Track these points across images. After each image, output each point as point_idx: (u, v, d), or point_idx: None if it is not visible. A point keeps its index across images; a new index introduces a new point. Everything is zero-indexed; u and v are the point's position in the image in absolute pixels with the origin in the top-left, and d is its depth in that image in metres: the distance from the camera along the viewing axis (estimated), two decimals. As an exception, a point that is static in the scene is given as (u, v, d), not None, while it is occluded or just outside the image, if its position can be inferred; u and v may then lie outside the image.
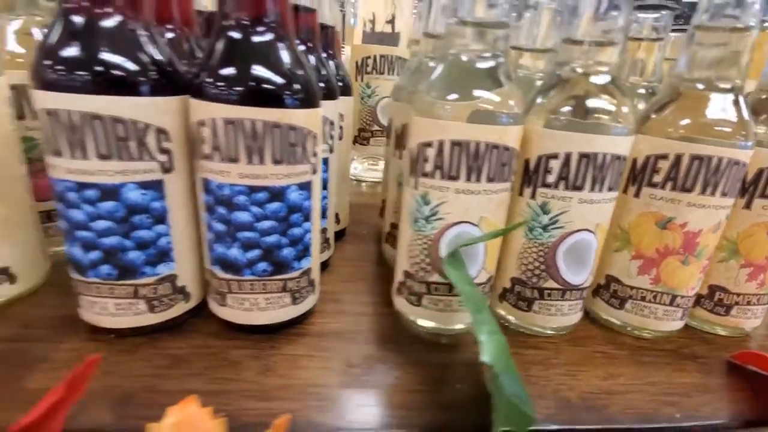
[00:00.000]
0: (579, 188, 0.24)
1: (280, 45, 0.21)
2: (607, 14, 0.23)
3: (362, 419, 0.21)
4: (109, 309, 0.23)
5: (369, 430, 0.20)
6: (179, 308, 0.25)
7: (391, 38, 0.52)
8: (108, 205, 0.21)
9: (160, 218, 0.22)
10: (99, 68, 0.19)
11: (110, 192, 0.21)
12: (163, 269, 0.23)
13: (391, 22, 0.51)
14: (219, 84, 0.20)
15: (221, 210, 0.22)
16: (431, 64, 0.31)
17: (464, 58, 0.23)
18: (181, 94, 0.21)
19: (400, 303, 0.28)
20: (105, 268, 0.22)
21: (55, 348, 0.23)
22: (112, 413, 0.19)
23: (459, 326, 0.27)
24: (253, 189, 0.22)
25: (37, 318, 0.25)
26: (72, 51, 0.19)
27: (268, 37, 0.21)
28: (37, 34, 0.28)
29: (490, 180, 0.23)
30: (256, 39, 0.21)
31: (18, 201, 0.25)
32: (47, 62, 0.19)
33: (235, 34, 0.21)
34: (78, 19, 0.20)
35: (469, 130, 0.22)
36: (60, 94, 0.19)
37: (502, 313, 0.28)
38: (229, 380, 0.22)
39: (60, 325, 0.25)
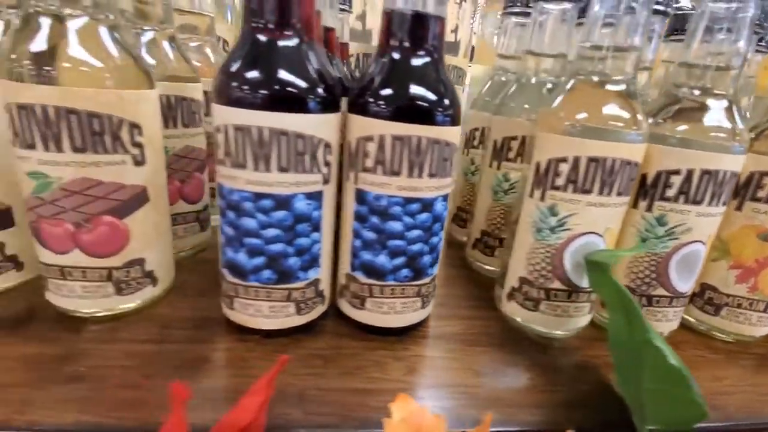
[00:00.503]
0: (698, 203, 0.26)
1: (435, 68, 0.23)
2: (719, 39, 0.25)
3: (526, 419, 0.22)
4: (263, 311, 0.24)
5: (528, 428, 0.21)
6: (318, 311, 0.26)
7: (453, 47, 0.54)
8: (280, 215, 0.22)
9: (317, 226, 0.24)
10: (289, 87, 0.21)
11: (283, 202, 0.22)
12: (312, 274, 0.25)
13: (455, 31, 0.52)
14: (386, 103, 0.22)
15: (374, 219, 0.24)
16: (533, 80, 0.33)
17: (595, 78, 0.25)
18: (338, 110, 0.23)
19: (513, 308, 0.29)
20: (266, 273, 0.23)
21: (211, 348, 0.24)
22: (297, 410, 0.20)
23: (571, 330, 0.29)
24: (408, 200, 0.23)
25: (179, 319, 0.26)
26: (262, 71, 0.20)
27: (426, 60, 0.23)
28: (166, 46, 0.29)
29: (619, 194, 0.25)
30: (416, 62, 0.23)
31: (165, 207, 0.26)
32: (236, 81, 0.20)
33: (398, 57, 0.22)
34: (263, 40, 0.21)
35: (605, 147, 0.24)
36: (252, 111, 0.20)
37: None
38: (381, 379, 0.23)
39: (204, 326, 0.26)
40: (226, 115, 0.21)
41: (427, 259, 0.25)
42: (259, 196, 0.22)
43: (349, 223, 0.25)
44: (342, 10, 0.37)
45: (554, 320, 0.28)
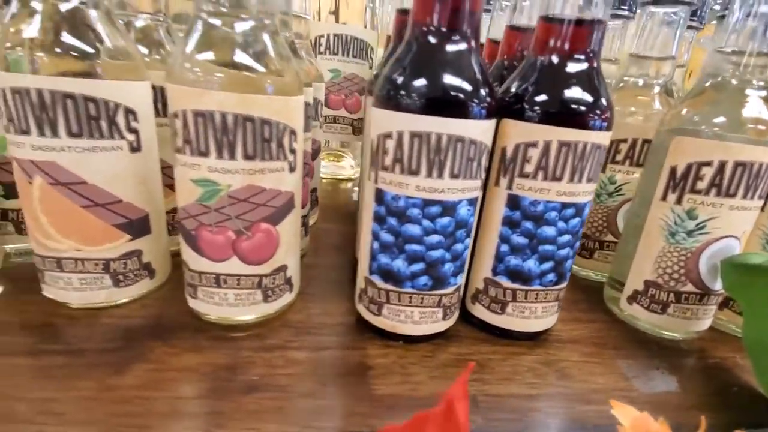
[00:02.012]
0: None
1: (596, 73, 0.23)
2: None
3: (694, 422, 0.22)
4: (413, 317, 0.24)
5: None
6: (456, 316, 0.26)
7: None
8: (444, 221, 0.22)
9: (469, 232, 0.24)
10: (467, 94, 0.20)
11: (449, 209, 0.22)
12: (459, 280, 0.25)
13: None
14: (553, 108, 0.22)
15: (528, 224, 0.24)
16: (640, 83, 0.33)
17: (734, 82, 0.25)
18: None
19: (636, 310, 0.29)
20: (423, 279, 0.23)
21: (364, 354, 0.24)
22: (477, 416, 0.20)
23: (695, 332, 0.29)
24: (564, 206, 0.23)
25: (316, 325, 0.26)
26: (436, 76, 0.20)
27: (587, 65, 0.23)
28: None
29: (760, 197, 0.25)
30: (572, 68, 0.23)
31: (300, 213, 0.26)
32: (412, 87, 0.20)
33: (555, 62, 0.22)
34: (432, 44, 0.21)
35: (752, 151, 0.24)
36: (430, 118, 0.20)
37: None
38: (542, 384, 0.23)
39: (344, 331, 0.26)
40: (401, 122, 0.21)
41: (569, 264, 0.25)
42: (427, 203, 0.22)
43: (496, 228, 0.25)
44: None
45: (681, 323, 0.28)
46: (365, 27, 0.55)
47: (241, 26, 0.21)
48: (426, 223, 0.22)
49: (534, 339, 0.27)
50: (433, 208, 0.22)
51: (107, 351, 0.22)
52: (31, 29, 0.20)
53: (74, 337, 0.23)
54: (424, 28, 0.21)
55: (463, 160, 0.21)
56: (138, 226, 0.25)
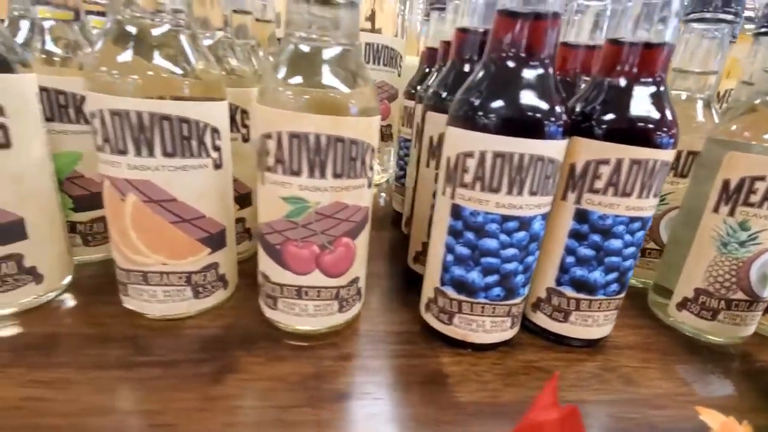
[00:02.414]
0: None
1: (664, 92, 0.24)
2: None
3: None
4: (485, 326, 0.25)
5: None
6: (519, 325, 0.27)
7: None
8: (520, 235, 0.23)
9: (539, 245, 0.25)
10: (548, 115, 0.21)
11: (526, 224, 0.23)
12: (526, 290, 0.26)
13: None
14: (629, 127, 0.23)
15: (595, 237, 0.25)
16: (683, 97, 0.34)
17: (787, 101, 0.26)
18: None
19: (685, 317, 0.30)
20: (496, 290, 0.24)
21: (438, 362, 0.25)
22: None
23: (741, 338, 0.30)
24: (632, 219, 0.24)
25: (384, 333, 0.27)
26: (518, 97, 0.21)
27: (654, 87, 0.24)
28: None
29: (812, 210, 0.26)
30: (642, 89, 0.24)
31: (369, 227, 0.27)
32: (494, 107, 0.21)
33: (624, 83, 0.23)
34: (513, 68, 0.22)
35: (806, 167, 0.25)
36: (514, 139, 0.21)
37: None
38: (610, 390, 0.24)
39: (411, 340, 0.27)
40: (484, 142, 0.21)
41: (630, 274, 0.26)
42: (506, 218, 0.22)
43: (561, 241, 0.26)
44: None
45: (730, 329, 0.29)
46: (396, 35, 0.56)
47: (330, 52, 0.21)
48: (503, 237, 0.23)
49: (592, 346, 0.28)
50: (511, 224, 0.23)
51: (198, 362, 0.23)
52: (126, 53, 0.21)
53: (162, 349, 0.23)
54: (504, 54, 0.22)
55: (542, 177, 0.22)
56: (216, 240, 0.25)
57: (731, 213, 0.28)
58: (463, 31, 0.29)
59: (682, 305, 0.31)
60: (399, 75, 0.58)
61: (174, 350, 0.23)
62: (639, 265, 0.37)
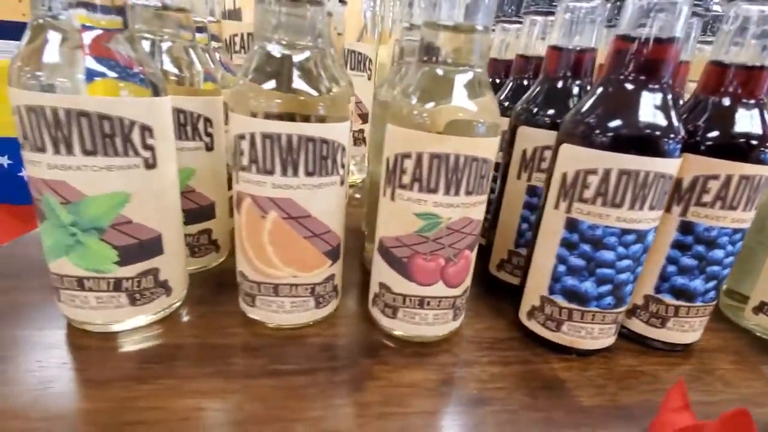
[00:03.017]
0: None
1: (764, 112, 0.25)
2: None
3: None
4: (593, 333, 0.26)
5: None
6: (617, 333, 0.28)
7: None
8: (636, 247, 0.24)
9: (647, 256, 0.26)
10: (670, 137, 0.23)
11: (642, 236, 0.24)
12: (630, 299, 0.27)
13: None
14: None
15: (700, 248, 0.26)
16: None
17: None
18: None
19: (761, 320, 0.32)
20: (608, 299, 0.25)
21: (550, 368, 0.26)
22: (685, 424, 0.23)
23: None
24: (735, 231, 0.26)
25: (488, 340, 0.28)
26: (652, 120, 0.23)
27: (756, 107, 0.25)
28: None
29: None
30: (745, 108, 0.25)
31: (478, 237, 0.28)
32: (623, 126, 0.23)
33: (727, 102, 0.25)
34: (632, 90, 0.23)
35: None
36: (640, 158, 0.22)
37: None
38: (714, 392, 0.26)
39: (520, 346, 0.28)
40: (608, 160, 0.23)
41: (724, 282, 0.28)
42: (625, 232, 0.24)
43: (663, 251, 0.27)
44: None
45: (809, 332, 0.31)
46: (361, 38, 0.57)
47: (463, 77, 0.23)
48: (620, 249, 0.24)
49: (683, 350, 0.30)
50: (629, 237, 0.24)
51: (333, 369, 0.24)
52: (271, 80, 0.22)
53: (296, 357, 0.25)
54: (625, 75, 0.23)
55: (662, 193, 0.23)
56: (335, 252, 0.26)
57: (817, 222, 0.29)
58: (557, 49, 0.30)
59: (759, 309, 0.32)
60: (369, 78, 0.58)
61: (307, 359, 0.25)
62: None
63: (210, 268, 0.33)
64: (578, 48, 0.29)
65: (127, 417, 0.19)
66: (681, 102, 0.30)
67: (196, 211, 0.30)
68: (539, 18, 0.34)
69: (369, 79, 0.57)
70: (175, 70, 0.27)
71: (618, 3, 0.31)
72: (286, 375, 0.23)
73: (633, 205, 0.23)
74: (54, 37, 0.20)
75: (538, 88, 0.31)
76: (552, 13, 0.32)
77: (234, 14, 0.54)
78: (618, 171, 0.23)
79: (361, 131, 0.59)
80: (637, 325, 0.29)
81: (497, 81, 0.43)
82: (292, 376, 0.23)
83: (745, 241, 0.35)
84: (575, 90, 0.30)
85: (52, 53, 0.20)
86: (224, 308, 0.28)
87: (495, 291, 0.34)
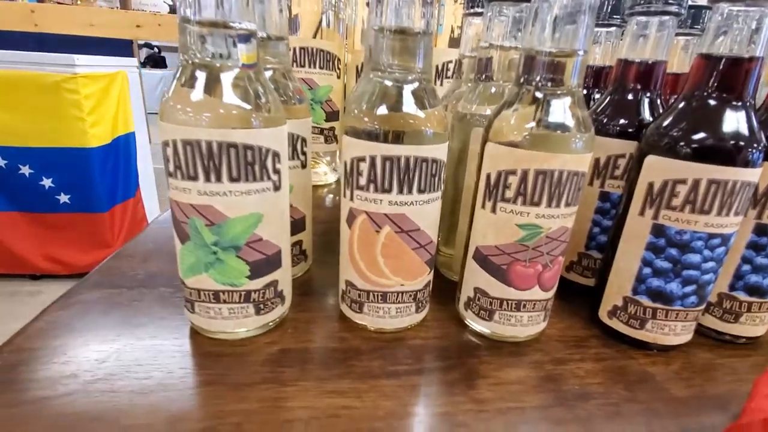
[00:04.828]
0: None
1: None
2: None
3: None
4: (676, 330, 0.28)
5: None
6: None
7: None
8: (720, 250, 0.26)
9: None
10: (757, 148, 0.24)
11: (726, 239, 0.26)
12: (709, 297, 0.29)
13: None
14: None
15: (775, 248, 0.28)
16: None
17: None
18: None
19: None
20: (692, 299, 0.27)
21: (637, 363, 0.28)
22: None
23: None
24: (809, 232, 0.27)
25: (575, 338, 0.30)
26: (740, 133, 0.24)
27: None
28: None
29: None
30: None
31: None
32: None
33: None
34: (719, 106, 0.25)
35: None
36: (732, 168, 0.24)
37: None
38: None
39: (600, 344, 0.30)
40: (699, 171, 0.24)
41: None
42: (712, 236, 0.26)
43: (739, 251, 0.29)
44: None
45: None
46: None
47: (560, 103, 0.24)
48: (707, 252, 0.26)
49: (752, 343, 0.32)
50: (715, 240, 0.26)
51: (444, 369, 0.26)
52: (383, 106, 0.24)
53: (407, 359, 0.27)
54: (706, 93, 0.25)
55: (746, 200, 0.25)
56: (433, 260, 0.28)
57: None
58: (627, 62, 0.32)
59: (824, 303, 0.34)
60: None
61: (416, 360, 0.27)
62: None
63: (298, 276, 0.35)
64: (649, 61, 0.31)
65: (283, 416, 0.22)
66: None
67: (293, 224, 0.32)
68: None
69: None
70: (281, 97, 0.29)
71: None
72: (404, 375, 0.25)
73: (720, 212, 0.25)
74: (203, 76, 0.22)
75: (608, 99, 0.33)
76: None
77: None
78: (707, 180, 0.25)
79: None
80: (710, 321, 0.31)
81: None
82: (410, 376, 0.25)
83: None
84: (646, 102, 0.32)
85: (201, 90, 0.22)
86: (325, 313, 0.31)
87: (567, 291, 0.36)
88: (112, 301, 0.30)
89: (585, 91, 0.38)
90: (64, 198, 1.55)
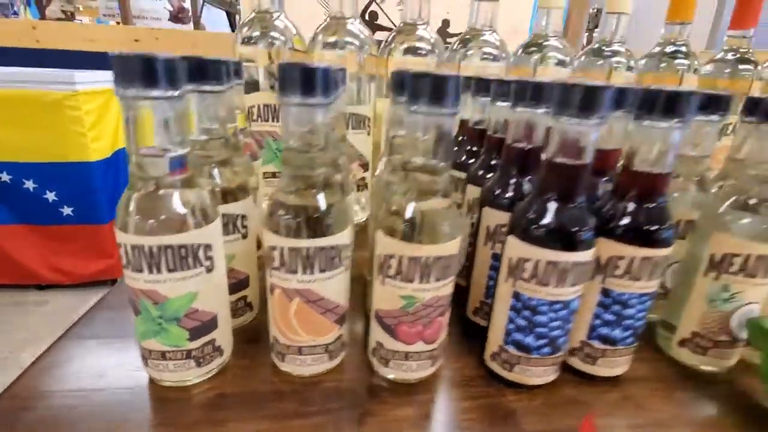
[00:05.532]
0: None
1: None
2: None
3: None
4: (536, 373, 0.35)
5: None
6: (559, 370, 0.37)
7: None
8: (563, 312, 0.33)
9: (575, 314, 0.34)
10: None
11: (567, 304, 0.33)
12: (566, 346, 0.35)
13: None
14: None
15: (617, 307, 0.34)
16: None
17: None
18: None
19: (684, 352, 0.40)
20: (545, 349, 0.34)
21: (507, 400, 0.35)
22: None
23: (726, 367, 0.40)
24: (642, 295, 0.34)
25: (458, 378, 0.37)
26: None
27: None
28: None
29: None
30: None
31: (451, 300, 0.37)
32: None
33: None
34: (558, 200, 0.31)
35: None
36: (566, 253, 0.31)
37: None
38: (630, 416, 0.34)
39: (481, 383, 0.37)
40: (539, 253, 0.31)
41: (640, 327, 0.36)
42: (553, 302, 0.32)
43: (592, 310, 0.35)
44: None
45: (717, 361, 0.39)
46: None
47: (428, 204, 0.31)
48: (551, 314, 0.33)
49: (614, 381, 0.38)
50: (557, 305, 0.32)
51: (344, 408, 0.33)
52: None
53: (318, 400, 0.34)
54: (551, 191, 0.32)
55: (581, 274, 0.32)
56: (342, 319, 0.35)
57: (716, 278, 0.37)
58: (514, 148, 0.38)
59: (682, 343, 0.40)
60: (368, 134, 0.67)
61: (326, 401, 0.34)
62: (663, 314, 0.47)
63: (245, 325, 0.42)
64: (533, 146, 0.37)
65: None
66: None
67: (236, 284, 0.39)
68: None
69: (368, 134, 0.66)
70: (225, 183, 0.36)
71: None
72: (313, 415, 0.32)
73: (557, 285, 0.32)
74: (146, 186, 0.29)
75: (499, 173, 0.40)
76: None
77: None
78: (545, 261, 0.31)
79: (363, 179, 0.68)
80: (576, 362, 0.38)
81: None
82: (315, 416, 0.32)
83: (675, 283, 0.44)
84: (526, 184, 0.38)
85: (145, 201, 0.29)
86: (260, 360, 0.38)
87: (472, 333, 0.43)
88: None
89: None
90: (67, 210, 1.64)
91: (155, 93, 0.26)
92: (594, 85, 0.28)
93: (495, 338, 0.36)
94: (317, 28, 0.64)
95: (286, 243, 0.31)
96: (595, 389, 0.37)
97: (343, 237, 0.32)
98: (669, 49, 0.75)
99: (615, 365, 0.37)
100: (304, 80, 0.28)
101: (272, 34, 0.60)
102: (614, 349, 0.36)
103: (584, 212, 0.32)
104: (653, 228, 0.33)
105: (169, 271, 0.29)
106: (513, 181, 0.38)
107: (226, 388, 0.34)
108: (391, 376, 0.36)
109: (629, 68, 0.72)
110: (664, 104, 0.31)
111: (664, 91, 0.31)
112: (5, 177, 1.62)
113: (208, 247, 0.31)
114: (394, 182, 0.37)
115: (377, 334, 0.35)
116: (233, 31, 1.43)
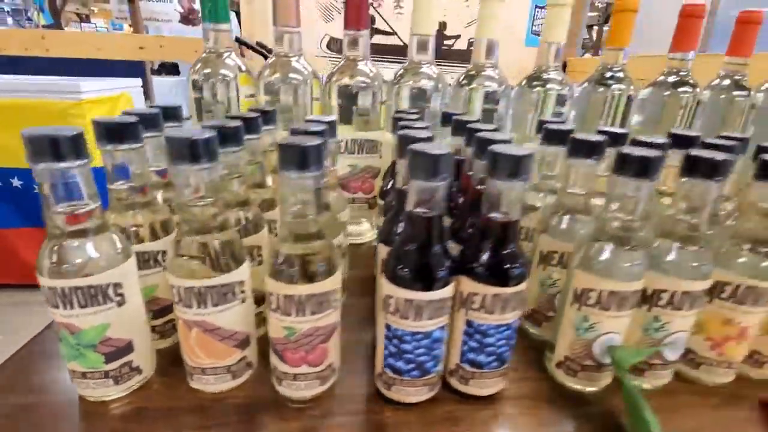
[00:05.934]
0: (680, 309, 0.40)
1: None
2: None
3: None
4: (410, 392, 0.40)
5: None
6: (436, 389, 0.42)
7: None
8: (426, 342, 0.38)
9: (442, 342, 0.39)
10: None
11: (428, 334, 0.37)
12: (439, 368, 0.40)
13: None
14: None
15: (478, 336, 0.39)
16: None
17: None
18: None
19: (560, 373, 0.44)
20: (414, 372, 0.39)
21: (385, 416, 0.40)
22: (449, 456, 0.36)
23: (599, 387, 0.44)
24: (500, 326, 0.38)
25: (347, 395, 0.42)
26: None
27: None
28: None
29: (630, 308, 0.40)
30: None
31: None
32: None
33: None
34: (418, 247, 0.36)
35: (623, 285, 0.39)
36: (420, 293, 0.35)
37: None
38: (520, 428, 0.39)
39: (368, 400, 0.42)
40: (400, 292, 0.36)
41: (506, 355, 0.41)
42: (415, 333, 0.37)
43: (460, 337, 0.40)
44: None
45: (588, 382, 0.43)
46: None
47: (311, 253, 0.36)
48: (415, 343, 0.38)
49: (488, 399, 0.43)
50: (419, 335, 0.37)
51: (242, 422, 0.38)
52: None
53: (220, 414, 0.39)
54: (412, 240, 0.37)
55: (437, 309, 0.37)
56: (244, 343, 0.41)
57: (579, 309, 0.41)
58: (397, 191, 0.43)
59: (558, 365, 0.45)
60: (380, 157, 0.73)
61: (226, 415, 0.39)
62: (550, 335, 0.51)
63: (173, 345, 0.48)
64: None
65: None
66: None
67: (161, 310, 0.45)
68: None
69: (380, 158, 0.73)
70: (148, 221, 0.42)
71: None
72: (211, 428, 0.38)
73: (415, 318, 0.36)
74: (59, 237, 0.34)
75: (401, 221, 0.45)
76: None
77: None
78: (403, 299, 0.36)
79: (374, 197, 0.76)
80: (454, 383, 0.42)
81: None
82: (214, 429, 0.38)
83: (558, 310, 0.48)
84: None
85: (58, 250, 0.34)
86: (179, 377, 0.43)
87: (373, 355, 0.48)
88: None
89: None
90: (75, 214, 1.73)
91: (63, 165, 0.32)
92: (436, 153, 0.33)
93: (378, 362, 0.41)
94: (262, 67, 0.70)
95: (181, 283, 0.36)
96: (470, 407, 0.42)
97: (242, 272, 0.38)
98: (608, 74, 0.79)
99: (485, 386, 0.41)
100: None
101: (222, 71, 0.67)
102: (482, 372, 0.41)
103: (438, 257, 0.37)
104: (503, 268, 0.37)
105: (81, 307, 0.35)
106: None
107: (143, 402, 0.40)
108: (286, 394, 0.41)
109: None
110: (508, 167, 0.35)
111: (507, 155, 0.35)
112: (17, 182, 1.73)
113: (117, 285, 0.37)
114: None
115: (273, 357, 0.40)
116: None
